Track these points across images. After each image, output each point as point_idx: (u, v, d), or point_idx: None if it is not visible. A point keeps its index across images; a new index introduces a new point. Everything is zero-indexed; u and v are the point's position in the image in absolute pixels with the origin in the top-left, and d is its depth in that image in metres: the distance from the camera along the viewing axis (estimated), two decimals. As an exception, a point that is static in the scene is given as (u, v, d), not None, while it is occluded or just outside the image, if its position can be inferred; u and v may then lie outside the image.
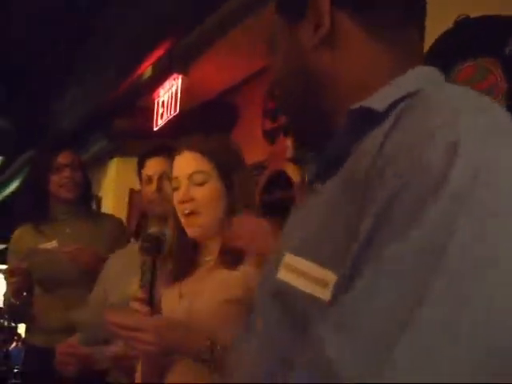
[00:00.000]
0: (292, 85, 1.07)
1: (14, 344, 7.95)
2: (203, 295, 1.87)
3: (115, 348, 2.58)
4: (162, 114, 4.58)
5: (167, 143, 2.84)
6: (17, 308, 3.16)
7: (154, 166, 2.79)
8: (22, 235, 3.36)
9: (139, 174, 2.85)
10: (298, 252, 0.94)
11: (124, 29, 4.32)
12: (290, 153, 4.27)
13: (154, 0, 3.97)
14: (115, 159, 5.69)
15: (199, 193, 1.92)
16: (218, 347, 1.66)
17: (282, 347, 0.93)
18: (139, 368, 1.95)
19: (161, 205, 2.76)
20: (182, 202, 1.92)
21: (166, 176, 2.75)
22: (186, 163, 1.95)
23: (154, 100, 4.70)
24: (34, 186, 3.31)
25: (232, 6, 3.83)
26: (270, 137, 4.50)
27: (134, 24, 4.19)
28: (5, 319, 8.50)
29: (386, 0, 1.01)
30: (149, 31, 4.13)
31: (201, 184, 1.92)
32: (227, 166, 1.95)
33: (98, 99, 5.29)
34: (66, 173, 3.21)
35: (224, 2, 3.80)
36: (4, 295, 3.22)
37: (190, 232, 1.93)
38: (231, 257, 1.88)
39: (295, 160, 4.22)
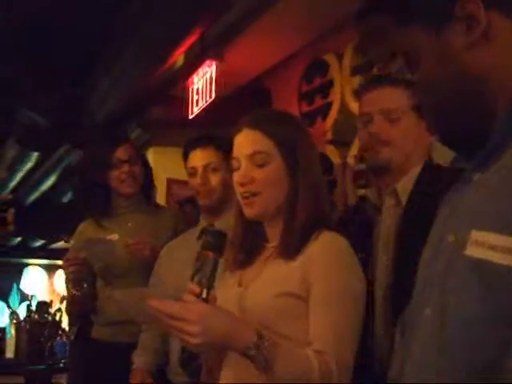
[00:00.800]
0: (451, 87, 1.14)
1: (58, 338, 7.97)
2: (259, 286, 1.82)
3: None
4: (197, 102, 4.52)
5: (209, 133, 2.80)
6: (79, 299, 3.19)
7: (197, 158, 2.76)
8: (84, 230, 3.39)
9: (185, 166, 2.81)
10: (490, 228, 1.00)
11: (153, 16, 4.26)
12: (329, 135, 4.22)
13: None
14: (151, 149, 5.64)
15: (260, 174, 1.83)
16: (266, 343, 1.57)
17: (485, 325, 0.98)
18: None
19: (208, 197, 2.73)
20: (242, 183, 1.84)
21: (211, 167, 2.71)
22: (246, 142, 1.86)
23: (188, 88, 4.64)
24: (93, 182, 3.31)
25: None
26: (309, 120, 4.44)
27: (163, 10, 4.13)
28: (49, 314, 8.54)
29: None
30: (179, 17, 4.08)
31: (262, 165, 1.83)
32: (290, 145, 1.85)
33: (130, 90, 5.25)
34: (125, 168, 3.22)
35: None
36: (66, 287, 3.28)
37: (248, 212, 1.85)
38: (291, 246, 1.80)
39: (334, 142, 4.17)
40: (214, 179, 2.74)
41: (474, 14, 1.11)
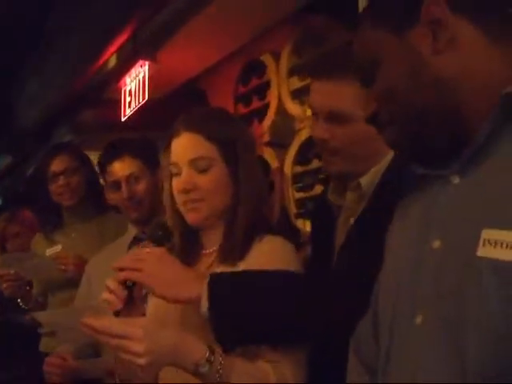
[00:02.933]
0: (418, 92, 1.12)
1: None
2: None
3: (108, 364, 2.45)
4: (130, 103, 4.42)
5: (121, 141, 2.66)
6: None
7: (116, 170, 2.62)
8: (35, 244, 3.40)
9: (103, 180, 2.68)
10: (503, 225, 0.98)
11: (84, 15, 4.14)
12: (266, 137, 4.15)
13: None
14: (83, 153, 5.50)
15: (203, 180, 1.73)
16: (219, 358, 1.47)
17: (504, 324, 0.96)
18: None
19: (137, 210, 2.61)
20: (185, 190, 1.73)
21: (133, 178, 2.58)
22: (187, 147, 1.75)
23: (120, 89, 4.53)
24: (38, 195, 3.33)
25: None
26: (245, 122, 4.35)
27: (94, 9, 4.01)
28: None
29: (495, 1, 1.13)
30: (110, 15, 3.96)
31: (204, 170, 1.73)
32: (232, 147, 1.75)
33: (59, 92, 5.11)
34: (61, 181, 3.19)
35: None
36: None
37: (192, 218, 1.75)
38: (234, 251, 1.72)
39: (272, 144, 4.11)
40: (140, 189, 2.61)
41: (440, 18, 1.10)
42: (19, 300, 3.30)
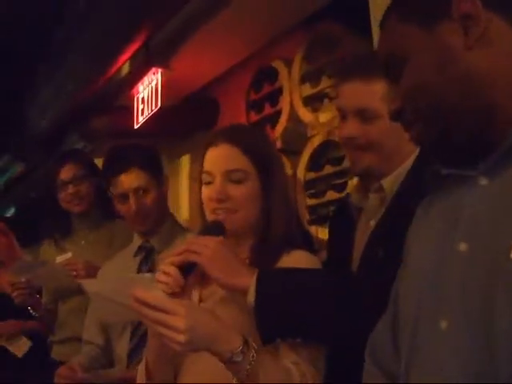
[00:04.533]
0: (447, 88, 1.09)
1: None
2: (229, 300, 1.73)
3: (118, 373, 2.47)
4: (143, 111, 4.43)
5: (133, 152, 2.63)
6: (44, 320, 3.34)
7: (124, 183, 2.57)
8: (44, 252, 3.38)
9: (108, 190, 2.66)
10: None
11: (97, 22, 4.16)
12: (278, 144, 4.15)
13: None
14: (95, 160, 5.50)
15: (236, 191, 1.77)
16: (252, 351, 1.47)
17: None
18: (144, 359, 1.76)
19: (144, 223, 2.59)
20: (218, 200, 1.76)
21: (141, 190, 2.56)
22: (223, 158, 1.79)
23: (133, 96, 4.54)
24: (48, 203, 3.35)
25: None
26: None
27: (107, 16, 4.02)
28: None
29: None
30: (123, 23, 3.97)
31: (238, 182, 1.77)
32: (266, 163, 1.80)
33: (72, 99, 5.12)
34: (70, 189, 3.19)
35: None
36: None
37: (227, 228, 1.76)
38: (265, 264, 1.74)
39: (284, 151, 4.11)
40: (147, 202, 2.57)
41: (472, 13, 1.08)
42: (29, 308, 3.30)
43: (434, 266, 1.13)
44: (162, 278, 1.57)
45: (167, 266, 1.59)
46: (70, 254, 3.16)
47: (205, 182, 1.81)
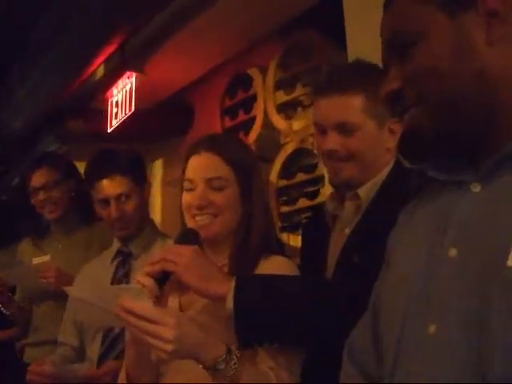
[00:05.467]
0: (460, 78, 1.07)
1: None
2: (210, 308, 1.75)
3: (87, 370, 2.48)
4: (117, 114, 4.41)
5: (116, 157, 2.61)
6: (12, 318, 3.28)
7: (106, 189, 2.56)
8: (22, 250, 3.35)
9: (91, 194, 2.65)
10: None
11: (73, 25, 4.13)
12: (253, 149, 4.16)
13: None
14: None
15: (218, 197, 1.81)
16: (235, 358, 1.51)
17: None
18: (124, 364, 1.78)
19: (124, 228, 2.59)
20: (199, 207, 1.81)
21: (123, 197, 2.55)
22: (205, 166, 1.84)
23: (107, 100, 4.52)
24: (24, 207, 3.32)
25: (186, 1, 3.71)
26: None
27: (83, 19, 4.01)
28: None
29: None
30: (99, 26, 3.96)
31: (219, 189, 1.82)
32: (246, 172, 1.86)
33: (47, 101, 5.09)
34: (41, 196, 3.15)
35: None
36: None
37: (203, 233, 1.79)
38: (244, 269, 1.78)
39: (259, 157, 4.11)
40: (129, 208, 2.56)
41: (498, 11, 1.07)
42: (0, 305, 3.23)
43: (422, 271, 1.12)
44: (139, 288, 1.59)
45: (142, 276, 1.60)
46: (48, 257, 3.10)
47: (186, 188, 1.85)
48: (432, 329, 1.05)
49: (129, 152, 2.69)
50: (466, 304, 1.01)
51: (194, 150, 1.87)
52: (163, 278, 1.61)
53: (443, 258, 1.08)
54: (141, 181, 2.62)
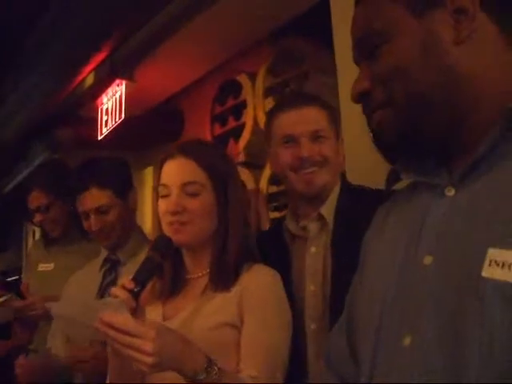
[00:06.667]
0: (428, 76, 1.05)
1: None
2: (196, 319, 1.77)
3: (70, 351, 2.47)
4: (107, 122, 4.41)
5: (95, 169, 2.61)
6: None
7: (86, 202, 2.56)
8: (33, 249, 3.43)
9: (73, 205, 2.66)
10: (510, 246, 0.91)
11: (62, 33, 4.14)
12: (241, 157, 4.17)
13: (93, 2, 3.81)
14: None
15: (192, 204, 1.79)
16: (215, 369, 1.51)
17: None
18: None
19: (106, 239, 2.59)
20: (173, 212, 1.78)
21: (103, 209, 2.55)
22: (180, 171, 1.82)
23: (97, 107, 4.53)
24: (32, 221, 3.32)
25: (174, 8, 3.71)
26: (221, 142, 4.38)
27: (72, 27, 4.01)
28: None
29: None
30: (88, 34, 3.96)
31: (194, 195, 1.79)
32: (222, 178, 1.83)
33: (37, 109, 5.09)
34: (39, 217, 3.16)
35: (166, 4, 3.66)
36: None
37: (178, 239, 1.78)
38: (226, 279, 1.79)
39: (247, 164, 4.13)
40: (109, 220, 2.55)
41: (468, 8, 1.05)
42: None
43: (396, 279, 1.09)
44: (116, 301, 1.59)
45: (117, 289, 1.60)
46: (52, 266, 3.15)
47: (161, 195, 1.83)
48: (407, 340, 1.03)
49: (111, 161, 2.66)
50: (441, 315, 0.98)
51: (169, 155, 1.85)
52: (138, 291, 1.61)
53: (418, 265, 1.05)
54: (123, 190, 2.59)
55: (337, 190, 2.01)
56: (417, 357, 1.00)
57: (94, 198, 2.52)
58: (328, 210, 1.98)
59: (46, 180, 3.29)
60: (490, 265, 0.93)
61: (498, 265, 0.92)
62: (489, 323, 0.92)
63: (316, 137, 1.97)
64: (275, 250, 2.06)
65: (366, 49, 1.14)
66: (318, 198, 1.99)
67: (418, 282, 1.04)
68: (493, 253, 0.93)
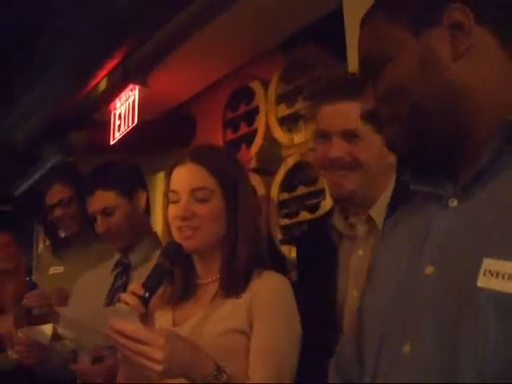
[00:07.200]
0: (429, 93, 1.08)
1: None
2: (206, 325, 1.77)
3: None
4: (119, 127, 4.43)
5: (100, 173, 2.64)
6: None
7: (91, 205, 2.61)
8: (42, 253, 3.44)
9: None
10: (501, 257, 0.93)
11: (76, 37, 4.16)
12: (253, 163, 4.17)
13: (107, 8, 3.83)
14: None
15: (201, 209, 1.80)
16: (224, 376, 1.53)
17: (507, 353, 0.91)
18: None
19: (115, 240, 2.61)
20: (183, 218, 1.79)
21: (108, 211, 2.57)
22: (189, 177, 1.83)
23: (110, 112, 4.54)
24: (42, 222, 3.39)
25: (188, 15, 3.72)
26: (233, 147, 4.38)
27: (86, 32, 4.03)
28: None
29: None
30: (102, 39, 3.98)
31: (203, 200, 1.80)
32: (231, 184, 1.84)
33: (50, 113, 5.11)
34: (58, 212, 3.18)
35: (180, 10, 3.68)
36: None
37: (187, 244, 1.79)
38: (237, 285, 1.79)
39: (259, 170, 4.13)
40: (114, 222, 2.58)
41: (463, 23, 1.08)
42: None
43: (398, 287, 1.12)
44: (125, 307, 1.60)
45: (127, 296, 1.61)
46: (62, 268, 3.18)
47: (171, 200, 1.84)
48: (407, 348, 1.05)
49: (117, 164, 2.70)
50: (439, 324, 1.00)
51: (178, 161, 1.86)
52: (148, 297, 1.62)
53: (420, 275, 1.07)
54: (129, 192, 2.62)
55: (389, 192, 1.87)
56: (416, 364, 1.02)
57: (99, 199, 2.56)
58: (378, 212, 1.85)
59: (69, 174, 3.36)
60: (484, 274, 0.95)
61: (492, 275, 0.94)
62: (483, 333, 0.93)
63: (350, 136, 1.83)
64: (321, 250, 1.98)
65: (370, 69, 1.18)
66: (348, 202, 1.89)
67: (419, 291, 1.06)
68: (488, 263, 0.95)
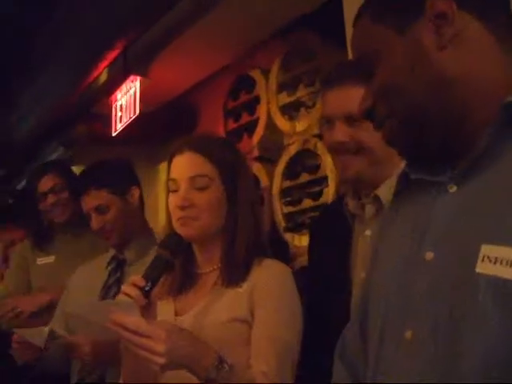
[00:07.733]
0: (419, 86, 1.09)
1: None
2: (208, 315, 1.78)
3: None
4: (121, 118, 4.42)
5: (94, 171, 2.67)
6: None
7: (85, 203, 2.66)
8: (20, 250, 3.44)
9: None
10: (499, 242, 0.94)
11: (76, 30, 4.16)
12: (255, 152, 4.18)
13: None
14: (74, 168, 5.49)
15: (200, 198, 1.80)
16: (226, 367, 1.54)
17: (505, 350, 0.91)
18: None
19: (110, 238, 2.66)
20: (182, 207, 1.79)
21: (101, 209, 2.60)
22: (188, 165, 1.83)
23: (111, 104, 4.54)
24: (28, 215, 3.42)
25: (188, 4, 3.72)
26: (234, 137, 4.39)
27: (85, 24, 4.03)
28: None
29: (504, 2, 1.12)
30: (101, 31, 3.99)
31: (202, 188, 1.80)
32: (231, 171, 1.84)
33: (51, 106, 5.11)
34: (50, 199, 3.22)
35: (180, 0, 3.68)
36: None
37: (185, 233, 1.80)
38: (237, 274, 1.79)
39: (261, 159, 4.13)
40: (108, 219, 2.64)
41: (446, 12, 1.08)
42: None
43: (400, 274, 1.12)
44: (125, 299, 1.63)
45: (128, 287, 1.63)
46: (53, 258, 3.22)
47: (171, 189, 1.85)
48: (408, 334, 1.06)
49: (109, 163, 2.75)
50: (439, 310, 1.01)
51: (177, 150, 1.86)
52: (149, 288, 1.64)
53: (420, 261, 1.08)
54: (122, 189, 2.67)
55: (399, 171, 1.84)
56: (417, 351, 1.03)
57: (93, 198, 2.62)
58: (385, 191, 1.81)
59: (59, 165, 3.51)
60: (483, 260, 0.96)
61: (490, 260, 0.95)
62: (482, 319, 0.94)
63: (352, 120, 1.83)
64: (336, 227, 1.99)
65: (363, 70, 1.20)
66: (355, 184, 1.89)
67: (419, 277, 1.07)
68: (486, 248, 0.96)
